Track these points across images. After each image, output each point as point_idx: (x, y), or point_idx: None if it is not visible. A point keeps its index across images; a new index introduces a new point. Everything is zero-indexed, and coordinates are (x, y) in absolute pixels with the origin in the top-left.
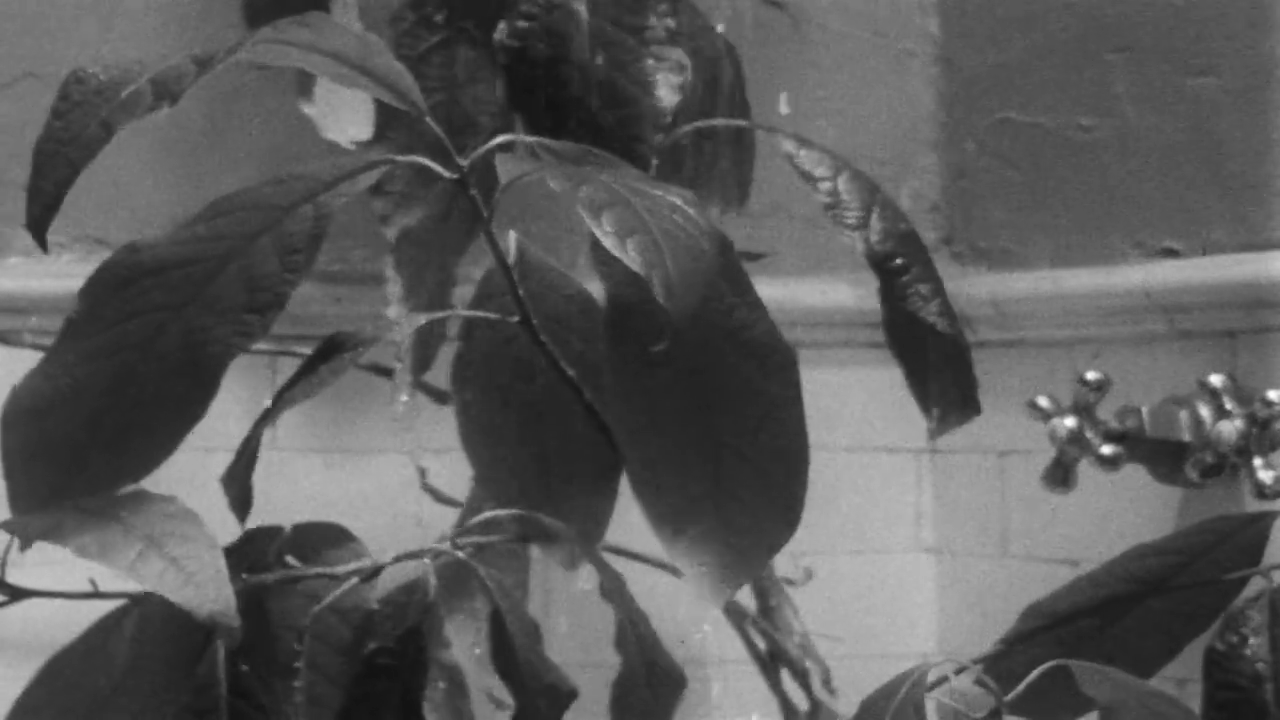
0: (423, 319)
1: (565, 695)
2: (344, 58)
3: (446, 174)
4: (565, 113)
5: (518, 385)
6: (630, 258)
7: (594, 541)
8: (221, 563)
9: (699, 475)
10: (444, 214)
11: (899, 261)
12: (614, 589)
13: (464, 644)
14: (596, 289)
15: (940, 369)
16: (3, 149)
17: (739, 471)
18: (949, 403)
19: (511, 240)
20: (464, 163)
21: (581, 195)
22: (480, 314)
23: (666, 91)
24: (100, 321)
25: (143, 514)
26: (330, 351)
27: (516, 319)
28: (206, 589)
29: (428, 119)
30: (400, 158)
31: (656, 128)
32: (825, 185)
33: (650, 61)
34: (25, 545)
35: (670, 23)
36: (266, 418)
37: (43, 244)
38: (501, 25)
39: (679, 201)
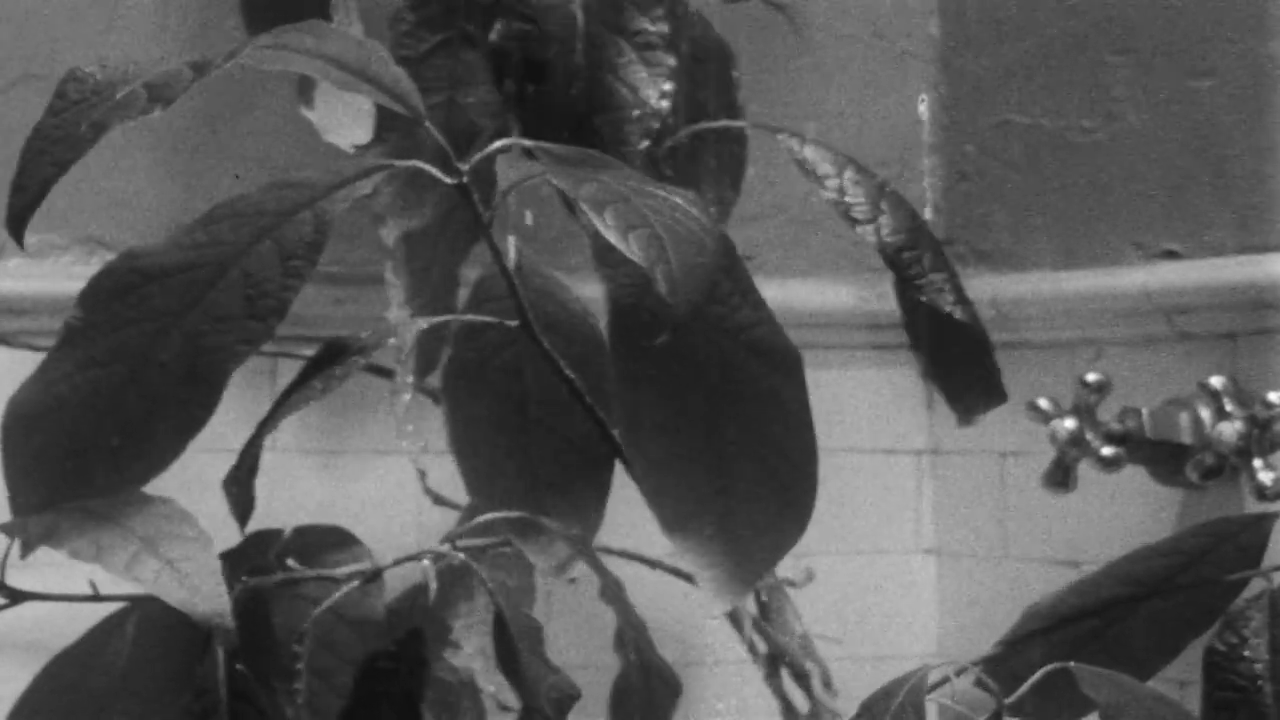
0: (424, 323)
1: (568, 698)
2: (344, 63)
3: (446, 179)
4: (556, 115)
5: (507, 391)
6: (633, 251)
7: (584, 545)
8: (217, 564)
9: (708, 476)
10: (446, 216)
11: (912, 253)
12: (614, 592)
13: (470, 646)
14: (593, 292)
15: (961, 358)
16: (3, 149)
17: (748, 471)
18: (973, 391)
19: (511, 245)
20: (464, 167)
21: (584, 193)
22: (480, 318)
23: (655, 96)
24: (99, 328)
25: (139, 516)
26: (330, 357)
27: (515, 323)
28: (202, 590)
29: (427, 124)
30: (399, 163)
31: (645, 133)
32: (831, 182)
33: (641, 67)
34: (26, 552)
35: (664, 27)
36: (267, 424)
37: (20, 240)
38: (498, 26)
39: (679, 200)
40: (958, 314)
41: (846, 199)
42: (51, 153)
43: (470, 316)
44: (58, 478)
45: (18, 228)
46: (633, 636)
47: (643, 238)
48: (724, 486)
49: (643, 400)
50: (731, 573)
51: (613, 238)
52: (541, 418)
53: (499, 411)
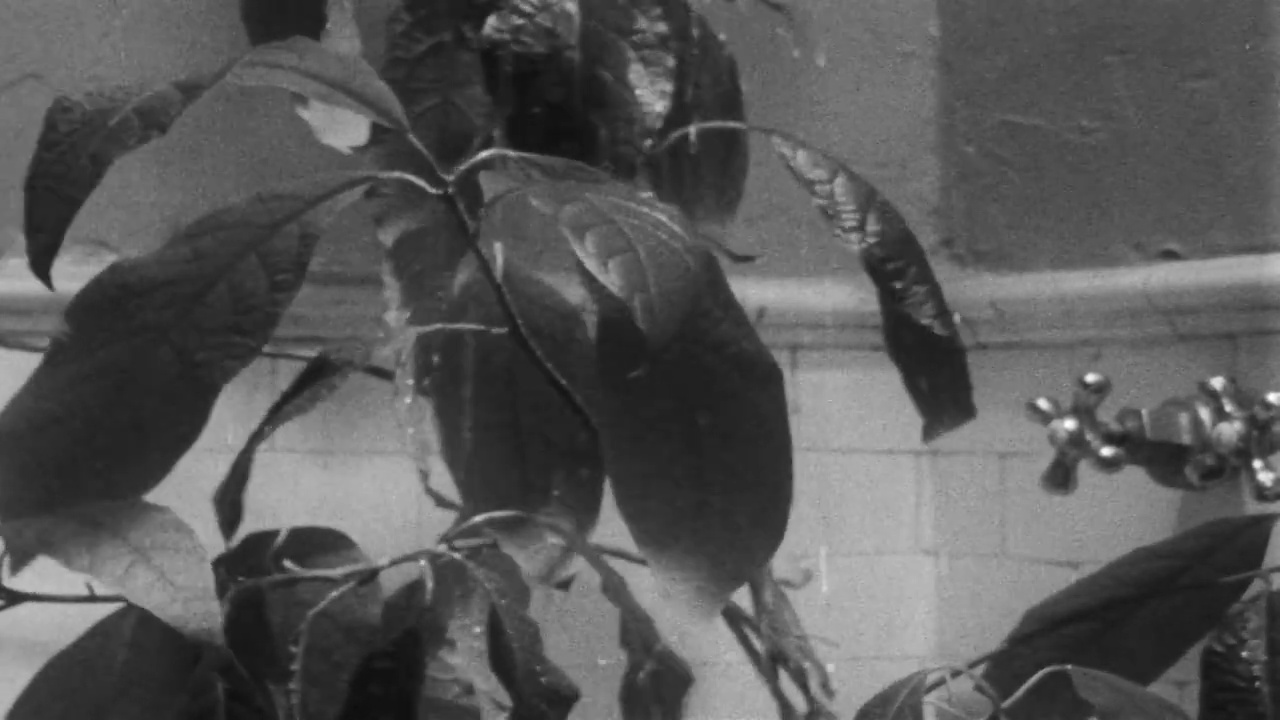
0: (422, 329)
1: (566, 697)
2: (327, 79)
3: (432, 190)
4: (549, 113)
5: (497, 397)
6: (612, 281)
7: (580, 542)
8: (210, 578)
9: (684, 489)
10: (440, 218)
11: (896, 264)
12: (616, 587)
13: (465, 646)
14: (581, 296)
15: (935, 371)
16: (4, 150)
17: (725, 485)
18: (943, 405)
19: (498, 253)
20: (449, 177)
21: (565, 215)
22: (469, 326)
23: (654, 97)
24: (87, 344)
25: (135, 524)
26: (322, 368)
27: (504, 331)
28: (193, 605)
29: (410, 136)
30: (383, 174)
31: (644, 132)
32: (822, 188)
33: (640, 66)
34: (19, 563)
35: (661, 27)
36: (259, 436)
37: (47, 281)
38: (491, 19)
39: (664, 218)
40: (936, 328)
41: (835, 206)
42: (57, 189)
43: (464, 325)
44: (48, 493)
45: (43, 270)
46: (638, 630)
47: (622, 265)
48: (700, 500)
49: (623, 413)
50: (704, 587)
51: (591, 266)
52: (533, 422)
53: (490, 417)
